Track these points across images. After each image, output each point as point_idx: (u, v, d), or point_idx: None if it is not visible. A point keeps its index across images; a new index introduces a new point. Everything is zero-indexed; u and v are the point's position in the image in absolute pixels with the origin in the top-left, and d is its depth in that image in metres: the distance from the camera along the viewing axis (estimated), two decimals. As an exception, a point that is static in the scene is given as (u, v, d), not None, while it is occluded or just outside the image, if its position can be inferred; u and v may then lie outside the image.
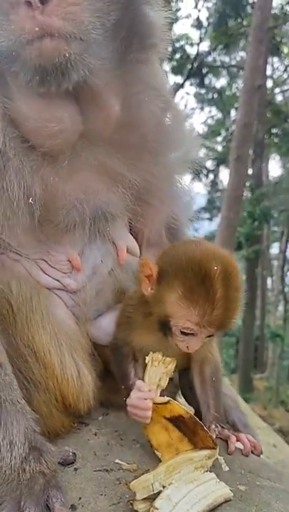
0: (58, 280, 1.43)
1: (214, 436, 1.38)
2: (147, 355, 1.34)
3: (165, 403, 1.28)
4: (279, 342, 19.66)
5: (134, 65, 1.37)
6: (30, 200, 1.26)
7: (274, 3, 14.49)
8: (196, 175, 1.68)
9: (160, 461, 1.26)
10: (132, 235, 1.63)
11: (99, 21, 1.19)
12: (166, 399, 1.28)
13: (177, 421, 1.28)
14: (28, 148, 1.27)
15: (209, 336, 1.32)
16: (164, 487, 1.13)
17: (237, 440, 1.44)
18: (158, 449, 1.29)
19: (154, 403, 1.29)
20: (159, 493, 1.11)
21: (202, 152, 1.66)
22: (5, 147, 1.22)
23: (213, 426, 1.43)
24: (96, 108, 1.32)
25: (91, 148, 1.35)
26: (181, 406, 1.29)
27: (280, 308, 25.82)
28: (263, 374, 21.48)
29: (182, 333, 1.28)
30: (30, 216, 1.29)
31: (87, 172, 1.36)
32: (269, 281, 27.97)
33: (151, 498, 1.11)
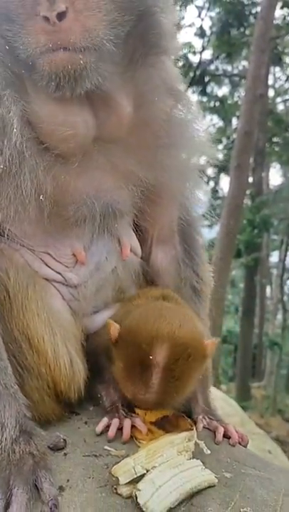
0: (59, 273, 1.46)
1: (201, 427, 1.42)
2: None
3: None
4: (277, 351, 19.60)
5: (144, 68, 1.40)
6: (40, 197, 1.30)
7: (276, 14, 14.67)
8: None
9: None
10: (138, 233, 1.65)
11: (113, 31, 1.23)
12: None
13: (162, 422, 1.33)
14: (43, 149, 1.30)
15: None
16: (147, 471, 1.15)
17: (225, 431, 1.47)
18: (142, 439, 1.32)
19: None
20: (142, 476, 1.14)
21: (213, 150, 1.63)
22: (22, 147, 1.25)
23: (201, 417, 1.47)
24: (109, 111, 1.35)
25: (104, 149, 1.39)
26: None
27: (279, 316, 25.71)
28: (260, 382, 21.35)
29: None
30: (40, 211, 1.32)
31: (98, 171, 1.40)
32: (268, 289, 27.90)
33: (135, 482, 1.13)
